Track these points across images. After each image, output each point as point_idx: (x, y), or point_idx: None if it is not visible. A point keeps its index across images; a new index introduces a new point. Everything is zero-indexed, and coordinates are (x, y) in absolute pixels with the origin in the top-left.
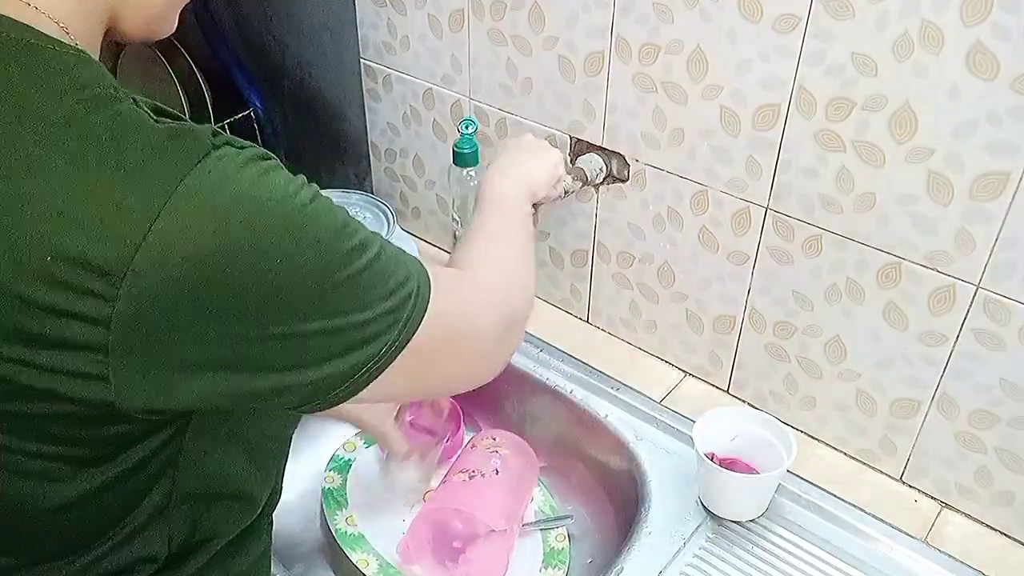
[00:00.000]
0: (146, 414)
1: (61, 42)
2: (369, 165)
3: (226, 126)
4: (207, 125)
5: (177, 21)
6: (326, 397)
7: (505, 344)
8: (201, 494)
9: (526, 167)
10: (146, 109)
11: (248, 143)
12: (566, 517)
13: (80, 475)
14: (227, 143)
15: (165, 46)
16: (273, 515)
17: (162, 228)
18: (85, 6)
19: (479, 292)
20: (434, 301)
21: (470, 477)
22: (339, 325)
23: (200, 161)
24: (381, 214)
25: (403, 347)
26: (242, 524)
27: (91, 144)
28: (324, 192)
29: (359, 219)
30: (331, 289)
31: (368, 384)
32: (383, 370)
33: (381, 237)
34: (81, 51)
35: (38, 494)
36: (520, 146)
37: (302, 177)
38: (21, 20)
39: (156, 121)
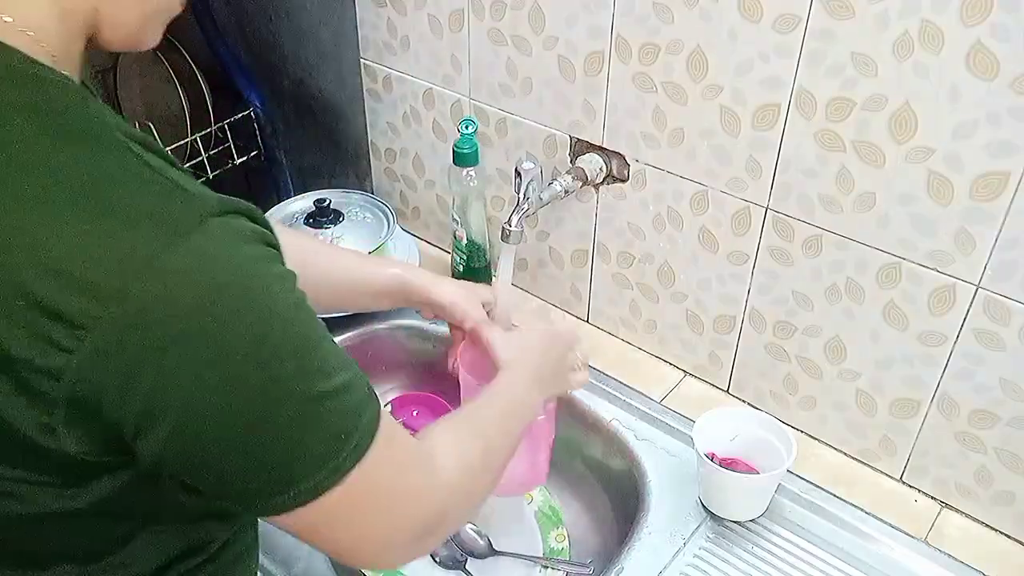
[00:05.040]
0: (98, 459)
1: (42, 64)
2: (369, 165)
3: (226, 126)
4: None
5: (162, 33)
6: (248, 508)
7: (422, 544)
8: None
9: (548, 369)
10: (146, 156)
11: (260, 221)
12: (583, 566)
13: (63, 496)
14: (235, 211)
15: (165, 46)
16: None
17: (140, 291)
18: (65, 22)
19: (423, 477)
20: (367, 468)
21: None
22: (272, 440)
23: (196, 229)
24: (381, 214)
25: (313, 499)
26: (228, 533)
27: (84, 189)
28: (324, 192)
29: (359, 219)
30: (283, 405)
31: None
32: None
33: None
34: (66, 77)
35: (25, 511)
36: (549, 351)
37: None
38: None
39: (155, 172)
